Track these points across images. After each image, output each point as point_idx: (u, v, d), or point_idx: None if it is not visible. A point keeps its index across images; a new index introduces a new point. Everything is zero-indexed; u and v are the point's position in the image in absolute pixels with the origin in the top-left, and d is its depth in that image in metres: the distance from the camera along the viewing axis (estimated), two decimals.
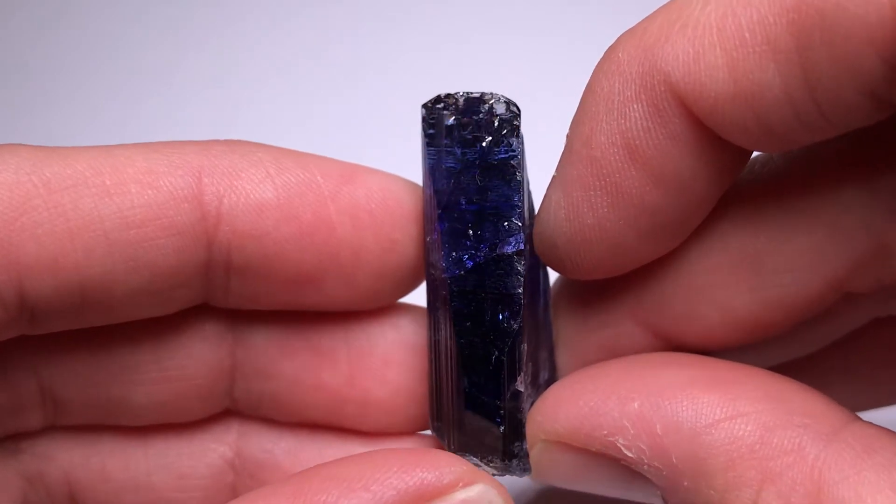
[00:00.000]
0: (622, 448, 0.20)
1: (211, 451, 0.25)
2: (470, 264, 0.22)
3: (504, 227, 0.21)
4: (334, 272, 0.22)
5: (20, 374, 0.22)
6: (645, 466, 0.20)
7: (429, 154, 0.22)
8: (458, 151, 0.21)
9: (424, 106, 0.22)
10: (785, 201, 0.22)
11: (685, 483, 0.19)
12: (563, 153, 0.21)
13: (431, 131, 0.22)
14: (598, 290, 0.24)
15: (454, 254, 0.22)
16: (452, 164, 0.22)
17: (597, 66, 0.21)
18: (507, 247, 0.21)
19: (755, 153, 0.21)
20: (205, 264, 0.22)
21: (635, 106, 0.19)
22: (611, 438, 0.20)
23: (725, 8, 0.18)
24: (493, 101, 0.21)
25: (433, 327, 0.23)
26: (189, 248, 0.21)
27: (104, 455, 0.24)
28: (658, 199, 0.20)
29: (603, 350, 0.24)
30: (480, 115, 0.21)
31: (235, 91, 0.46)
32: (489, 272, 0.22)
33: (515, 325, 0.22)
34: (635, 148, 0.20)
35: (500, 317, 0.22)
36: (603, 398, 0.20)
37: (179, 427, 0.24)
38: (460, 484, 0.19)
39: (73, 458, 0.24)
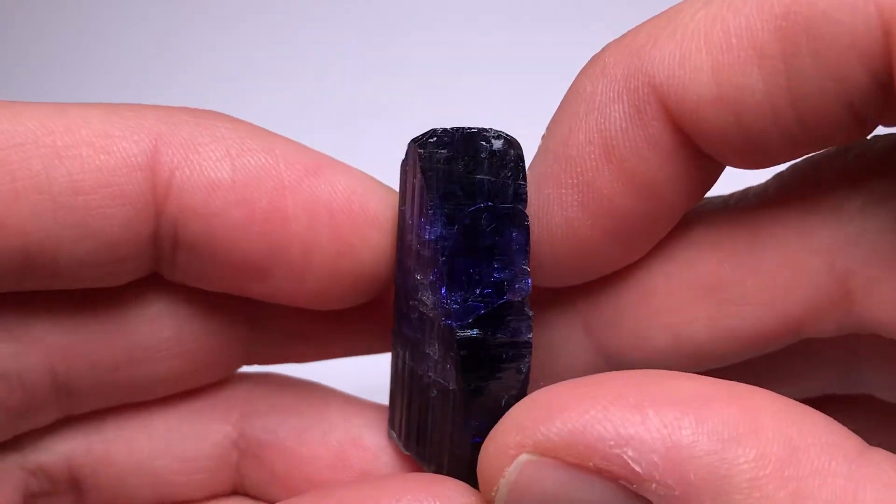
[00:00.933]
0: (629, 462, 0.17)
1: (214, 431, 0.24)
2: (482, 311, 0.20)
3: (514, 272, 0.20)
4: (283, 266, 0.21)
5: (33, 374, 0.22)
6: (653, 485, 0.17)
7: (429, 200, 0.20)
8: (460, 191, 0.20)
9: (415, 142, 0.20)
10: (754, 234, 0.21)
11: None
12: (538, 153, 0.21)
13: (429, 172, 0.20)
14: (553, 293, 0.23)
15: (460, 299, 0.20)
16: (455, 209, 0.20)
17: (581, 70, 0.21)
18: (517, 294, 0.20)
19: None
20: (153, 236, 0.21)
21: (616, 106, 0.20)
22: (617, 450, 0.17)
23: (714, 15, 0.18)
24: (492, 136, 0.21)
25: (410, 356, 0.22)
26: (138, 219, 0.20)
27: (107, 440, 0.23)
28: (628, 203, 0.20)
29: (542, 350, 0.23)
30: (482, 155, 0.20)
31: (236, 88, 0.46)
32: (498, 319, 0.20)
33: (525, 370, 0.20)
34: (612, 148, 0.20)
35: (511, 363, 0.20)
36: (608, 404, 0.17)
37: (183, 409, 0.24)
38: None
39: (76, 446, 0.23)
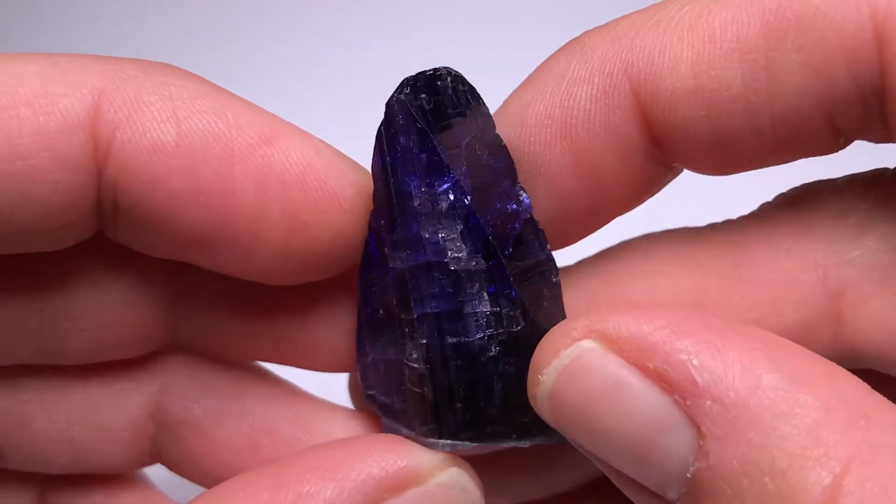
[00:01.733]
0: (693, 371, 0.16)
1: (132, 402, 0.24)
2: (513, 236, 0.20)
3: (515, 193, 0.20)
4: (228, 239, 0.20)
5: None
6: (708, 403, 0.16)
7: (433, 151, 0.20)
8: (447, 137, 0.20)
9: (399, 95, 0.20)
10: (741, 251, 0.21)
11: (750, 435, 0.15)
12: (496, 114, 0.21)
13: (419, 124, 0.20)
14: None
15: (494, 233, 0.20)
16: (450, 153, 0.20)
17: (559, 48, 0.20)
18: (526, 212, 0.20)
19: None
20: (96, 199, 0.19)
21: (585, 87, 0.20)
22: (683, 356, 0.16)
23: (702, 8, 0.18)
24: (445, 74, 0.20)
25: (435, 334, 0.20)
26: (80, 183, 0.19)
27: (24, 403, 0.23)
28: (570, 184, 0.20)
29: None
30: (449, 93, 0.20)
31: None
32: (523, 241, 0.20)
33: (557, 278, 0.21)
34: (570, 127, 0.20)
35: (545, 277, 0.21)
36: (689, 317, 0.17)
37: (103, 378, 0.23)
38: (436, 470, 0.19)
39: None
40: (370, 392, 0.22)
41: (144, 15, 0.49)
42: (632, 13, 0.20)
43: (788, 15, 0.17)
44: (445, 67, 0.20)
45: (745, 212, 0.22)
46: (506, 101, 0.21)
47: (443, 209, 0.20)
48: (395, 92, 0.20)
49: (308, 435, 0.23)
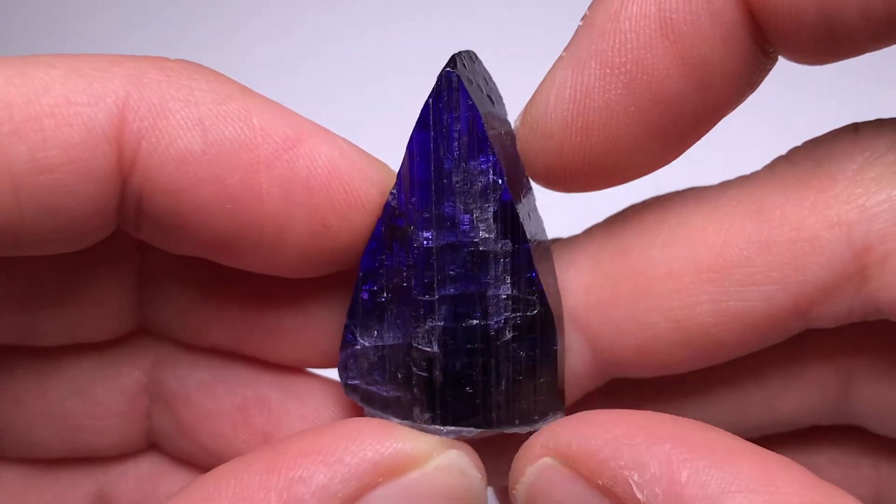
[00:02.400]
0: (634, 487, 0.17)
1: (125, 375, 0.24)
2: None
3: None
4: (253, 243, 0.20)
5: None
6: None
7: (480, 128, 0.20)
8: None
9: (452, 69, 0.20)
10: (762, 211, 0.20)
11: None
12: (579, 31, 0.20)
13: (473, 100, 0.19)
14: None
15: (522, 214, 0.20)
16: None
17: None
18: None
19: None
20: (118, 206, 0.19)
21: None
22: (625, 472, 0.17)
23: None
24: (465, 57, 0.20)
25: (450, 318, 0.21)
26: (105, 193, 0.19)
27: (17, 380, 0.23)
28: (678, 86, 0.19)
29: None
30: (487, 78, 0.21)
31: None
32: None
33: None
34: (670, 23, 0.19)
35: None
36: (633, 432, 0.18)
37: (93, 352, 0.23)
38: (434, 453, 0.19)
39: None
40: (352, 382, 0.22)
41: (159, 11, 0.48)
42: None
43: None
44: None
45: (749, 169, 0.22)
46: (586, 18, 0.20)
47: (478, 189, 0.20)
48: (447, 65, 0.20)
49: (299, 405, 0.23)
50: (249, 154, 0.19)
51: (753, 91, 0.20)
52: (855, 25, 0.17)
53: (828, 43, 0.18)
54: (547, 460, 0.19)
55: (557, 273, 0.22)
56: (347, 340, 0.22)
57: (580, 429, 0.19)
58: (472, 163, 0.20)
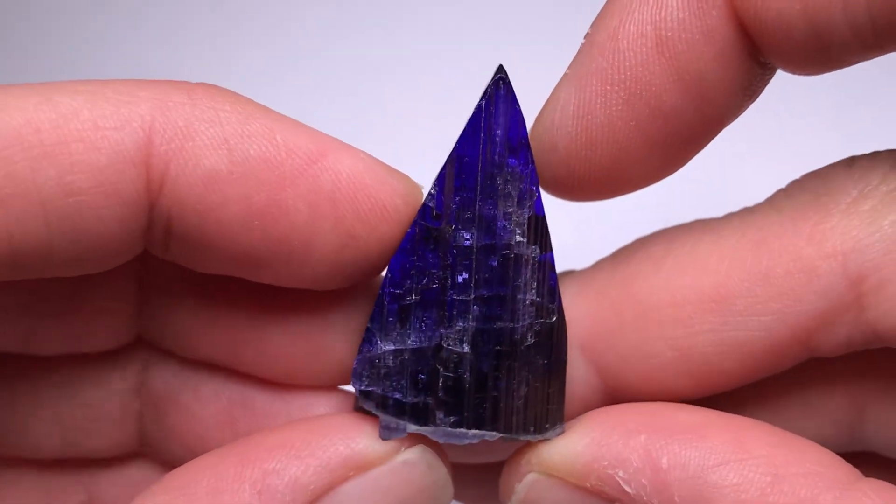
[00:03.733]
0: (621, 482, 0.19)
1: (118, 379, 0.24)
2: None
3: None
4: (282, 258, 0.20)
5: None
6: None
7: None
8: None
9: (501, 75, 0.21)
10: (762, 242, 0.21)
11: None
12: (581, 49, 0.20)
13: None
14: None
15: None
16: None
17: None
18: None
19: None
20: (146, 228, 0.20)
21: None
22: (610, 472, 0.19)
23: None
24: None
25: (476, 326, 0.21)
26: (132, 215, 0.19)
27: (9, 384, 0.23)
28: (676, 101, 0.20)
29: None
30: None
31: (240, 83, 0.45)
32: None
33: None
34: (666, 40, 0.19)
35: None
36: (607, 430, 0.19)
37: (86, 357, 0.23)
38: (402, 448, 0.20)
39: None
40: (367, 389, 0.22)
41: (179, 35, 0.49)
42: None
43: None
44: None
45: (754, 200, 0.22)
46: (588, 35, 0.20)
47: (517, 193, 0.20)
48: (497, 73, 0.20)
49: (286, 406, 0.23)
50: (275, 171, 0.19)
51: (754, 100, 0.21)
52: (844, 39, 0.18)
53: (820, 55, 0.19)
54: (532, 476, 0.20)
55: (565, 303, 0.22)
56: (366, 345, 0.22)
57: (558, 440, 0.20)
58: (513, 168, 0.20)
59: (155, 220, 0.19)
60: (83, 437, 0.24)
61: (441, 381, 0.21)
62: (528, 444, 0.21)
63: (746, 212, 0.22)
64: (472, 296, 0.21)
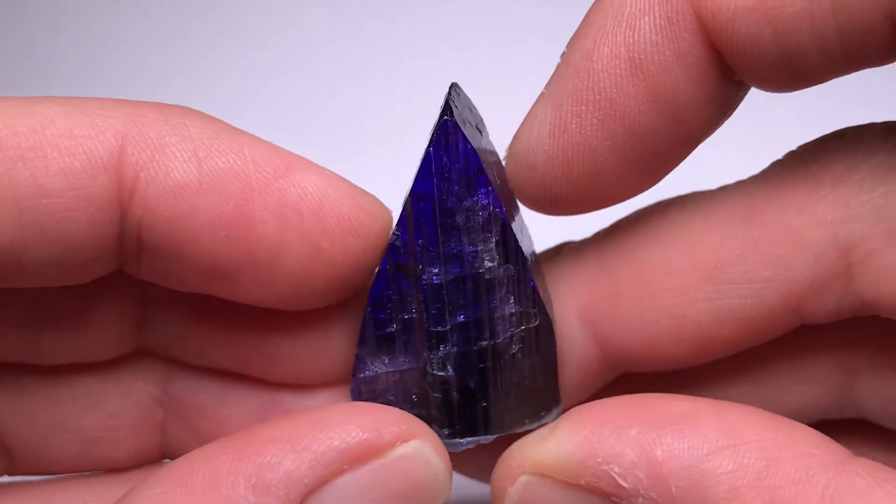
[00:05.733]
0: (616, 477, 0.18)
1: (138, 389, 0.24)
2: None
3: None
4: (250, 269, 0.21)
5: None
6: (640, 499, 0.18)
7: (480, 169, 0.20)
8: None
9: (448, 114, 0.20)
10: (753, 211, 0.21)
11: None
12: (558, 69, 0.21)
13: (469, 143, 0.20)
14: (550, 279, 0.23)
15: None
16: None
17: None
18: None
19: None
20: (118, 237, 0.20)
21: (647, 18, 0.19)
22: (605, 467, 0.19)
23: None
24: (456, 91, 0.21)
25: (459, 344, 0.21)
26: (103, 221, 0.20)
27: (29, 397, 0.23)
28: (651, 122, 0.20)
29: None
30: (474, 109, 0.22)
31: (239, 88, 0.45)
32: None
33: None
34: (639, 62, 0.19)
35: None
36: (598, 426, 0.19)
37: (104, 368, 0.24)
38: (398, 442, 0.19)
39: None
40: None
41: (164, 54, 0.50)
42: None
43: None
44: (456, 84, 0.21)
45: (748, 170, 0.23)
46: (564, 55, 0.21)
47: (480, 222, 0.21)
48: (442, 113, 0.20)
49: (315, 402, 0.23)
50: (242, 182, 0.20)
51: (729, 117, 0.21)
52: (814, 60, 0.19)
53: (792, 75, 0.19)
54: (525, 478, 0.20)
55: (566, 273, 0.23)
56: (359, 369, 0.22)
57: (548, 439, 0.20)
58: (472, 199, 0.21)
59: (126, 229, 0.20)
60: (105, 449, 0.24)
61: (431, 399, 0.22)
62: (518, 447, 0.21)
63: (739, 183, 0.22)
64: (448, 326, 0.21)
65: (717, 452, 0.18)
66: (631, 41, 0.19)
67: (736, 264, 0.21)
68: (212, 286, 0.21)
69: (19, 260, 0.19)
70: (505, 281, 0.21)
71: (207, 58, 0.48)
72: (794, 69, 0.19)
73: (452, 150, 0.20)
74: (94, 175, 0.19)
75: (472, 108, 0.22)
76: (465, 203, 0.21)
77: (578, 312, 0.23)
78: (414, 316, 0.21)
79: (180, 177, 0.20)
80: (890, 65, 0.19)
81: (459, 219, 0.21)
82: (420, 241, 0.21)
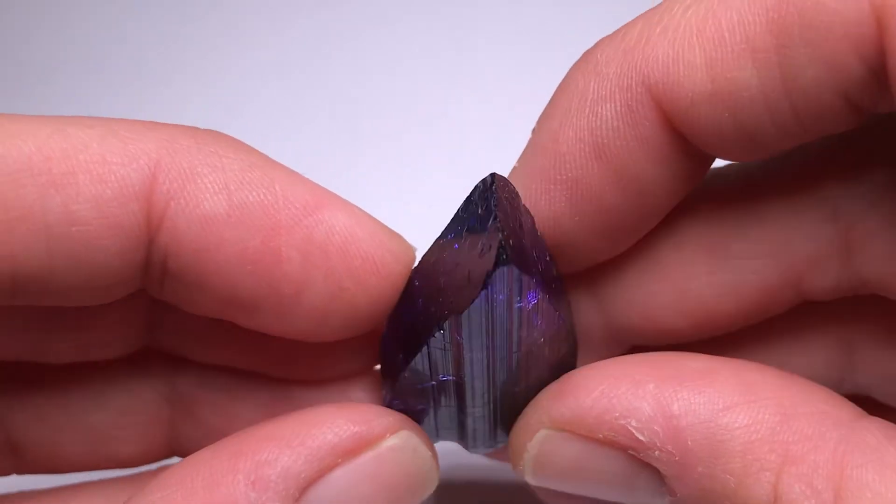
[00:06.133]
0: (634, 431, 0.19)
1: (147, 386, 0.24)
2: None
3: None
4: (272, 303, 0.21)
5: None
6: (656, 452, 0.19)
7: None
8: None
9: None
10: (758, 189, 0.22)
11: (699, 469, 0.18)
12: (528, 146, 0.21)
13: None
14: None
15: None
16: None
17: (573, 66, 0.21)
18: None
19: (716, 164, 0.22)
20: (144, 264, 0.20)
21: (608, 105, 0.20)
22: (622, 422, 0.19)
23: (706, 11, 0.18)
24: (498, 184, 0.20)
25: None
26: (131, 249, 0.20)
27: (40, 395, 0.24)
28: (617, 200, 0.20)
29: None
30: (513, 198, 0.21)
31: (238, 92, 0.45)
32: None
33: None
34: (603, 147, 0.20)
35: None
36: (615, 382, 0.19)
37: (113, 366, 0.24)
38: (387, 434, 0.20)
39: (8, 400, 0.23)
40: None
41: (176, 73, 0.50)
42: (638, 18, 0.20)
43: (791, 10, 0.17)
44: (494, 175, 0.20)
45: None
46: (534, 132, 0.21)
47: (527, 315, 0.20)
48: (494, 265, 0.19)
49: (325, 394, 0.24)
50: (271, 218, 0.20)
51: (695, 185, 0.22)
52: (774, 137, 0.19)
53: (754, 149, 0.20)
54: (544, 432, 0.21)
55: None
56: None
57: (566, 395, 0.20)
58: (521, 306, 0.20)
59: (153, 256, 0.20)
60: (115, 447, 0.24)
61: (467, 429, 0.23)
62: (535, 404, 0.21)
63: (743, 164, 0.23)
64: (488, 388, 0.21)
65: (733, 408, 0.18)
66: (594, 126, 0.20)
67: (737, 239, 0.22)
68: (231, 315, 0.21)
69: (46, 284, 0.19)
70: (542, 342, 0.21)
71: (212, 60, 0.48)
72: (756, 144, 0.19)
73: (505, 283, 0.19)
74: (125, 203, 0.19)
75: (508, 188, 0.21)
76: (514, 312, 0.20)
77: (582, 279, 0.23)
78: (452, 378, 0.21)
79: (210, 208, 0.20)
80: None
81: (508, 326, 0.20)
82: (466, 342, 0.20)
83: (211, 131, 0.21)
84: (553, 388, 0.21)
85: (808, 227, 0.21)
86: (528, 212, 0.21)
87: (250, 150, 0.21)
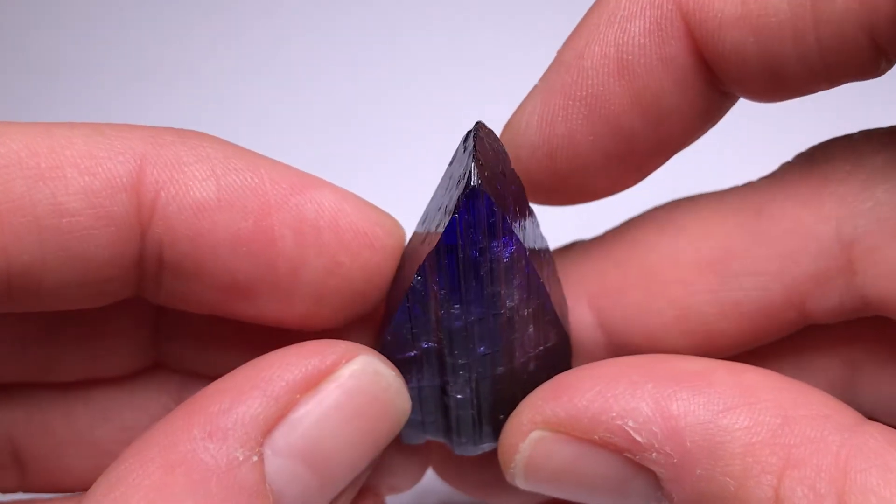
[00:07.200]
0: (631, 432, 0.18)
1: (153, 401, 0.24)
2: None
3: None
4: (269, 285, 0.21)
5: None
6: (654, 454, 0.18)
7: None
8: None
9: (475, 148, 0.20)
10: (763, 206, 0.21)
11: (698, 471, 0.18)
12: (552, 65, 0.21)
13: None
14: (562, 271, 0.24)
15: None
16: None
17: None
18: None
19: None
20: (138, 258, 0.20)
21: (637, 22, 0.20)
22: (619, 422, 0.19)
23: None
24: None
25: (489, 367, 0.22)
26: (123, 240, 0.20)
27: (45, 410, 0.23)
28: (633, 122, 0.20)
29: None
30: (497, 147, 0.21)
31: (237, 93, 0.46)
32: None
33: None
34: (627, 64, 0.20)
35: None
36: (612, 381, 0.19)
37: (120, 381, 0.24)
38: (343, 361, 0.20)
39: (13, 415, 0.23)
40: None
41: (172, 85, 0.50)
42: None
43: None
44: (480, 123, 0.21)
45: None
46: (559, 51, 0.21)
47: (503, 267, 0.20)
48: (468, 182, 0.19)
49: None
50: (260, 199, 0.20)
51: (713, 125, 0.22)
52: (796, 70, 0.19)
53: (775, 85, 0.20)
54: (537, 433, 0.20)
55: (578, 263, 0.23)
56: None
57: (560, 395, 0.20)
58: (497, 250, 0.20)
59: (147, 249, 0.20)
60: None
61: (451, 414, 0.22)
62: (528, 403, 0.21)
63: (752, 183, 0.23)
64: (468, 360, 0.21)
65: (733, 409, 0.18)
66: (621, 42, 0.20)
67: (741, 257, 0.21)
68: (231, 306, 0.21)
69: (39, 280, 0.19)
70: (525, 313, 0.21)
71: (210, 61, 0.49)
72: (778, 79, 0.19)
73: (478, 212, 0.20)
74: (114, 194, 0.19)
75: (495, 145, 0.21)
76: (490, 255, 0.20)
77: (585, 298, 0.23)
78: (434, 346, 0.21)
79: (199, 194, 0.20)
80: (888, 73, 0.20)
81: (483, 270, 0.20)
82: (443, 292, 0.20)
83: (193, 130, 0.21)
84: (546, 387, 0.21)
85: (811, 246, 0.21)
86: (517, 179, 0.22)
87: (231, 144, 0.21)
